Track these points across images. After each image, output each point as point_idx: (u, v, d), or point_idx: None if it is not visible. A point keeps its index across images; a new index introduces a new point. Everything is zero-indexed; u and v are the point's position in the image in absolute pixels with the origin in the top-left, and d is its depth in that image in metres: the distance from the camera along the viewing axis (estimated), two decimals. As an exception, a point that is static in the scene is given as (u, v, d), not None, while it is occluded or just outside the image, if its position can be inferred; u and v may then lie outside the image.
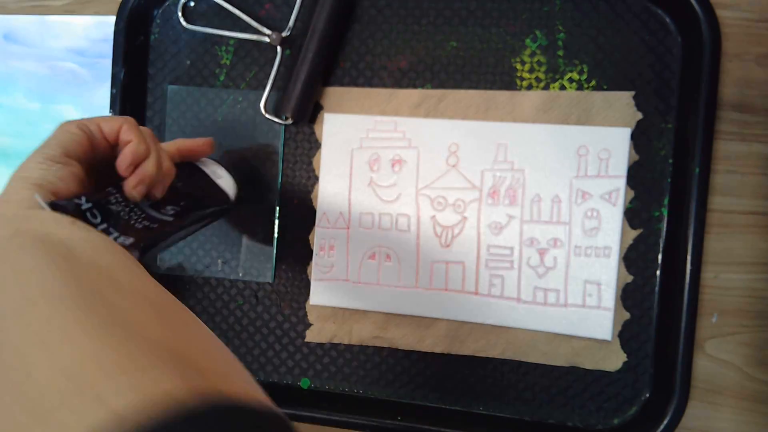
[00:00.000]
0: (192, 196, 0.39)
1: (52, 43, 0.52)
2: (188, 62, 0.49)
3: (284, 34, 0.46)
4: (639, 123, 0.44)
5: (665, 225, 0.44)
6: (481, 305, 0.45)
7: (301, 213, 0.48)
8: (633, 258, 0.44)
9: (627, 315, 0.44)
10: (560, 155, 0.44)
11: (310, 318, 0.48)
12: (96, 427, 0.17)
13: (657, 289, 0.44)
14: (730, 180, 0.43)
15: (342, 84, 0.47)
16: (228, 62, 0.49)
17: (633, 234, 0.44)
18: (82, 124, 0.35)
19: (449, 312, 0.45)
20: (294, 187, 0.48)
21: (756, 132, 0.43)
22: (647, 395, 0.44)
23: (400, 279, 0.46)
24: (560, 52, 0.45)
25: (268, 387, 0.48)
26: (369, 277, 0.46)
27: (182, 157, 0.41)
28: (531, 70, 0.45)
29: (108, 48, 0.49)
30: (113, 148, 0.35)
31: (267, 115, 0.47)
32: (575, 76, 0.44)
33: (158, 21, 0.49)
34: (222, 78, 0.49)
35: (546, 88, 0.45)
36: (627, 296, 0.44)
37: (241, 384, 0.22)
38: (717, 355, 0.44)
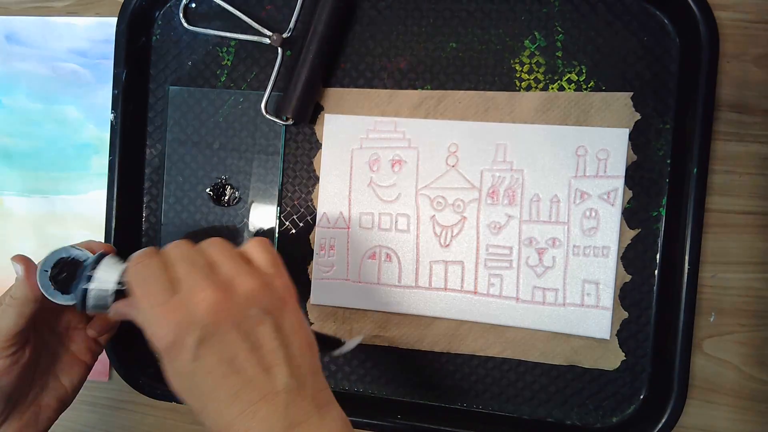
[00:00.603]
0: None
1: (54, 44, 0.53)
2: (189, 63, 0.49)
3: (285, 35, 0.47)
4: (637, 123, 0.44)
5: (663, 225, 0.44)
6: (480, 304, 0.45)
7: (301, 213, 0.48)
8: (631, 257, 0.44)
9: (625, 314, 0.44)
10: (559, 155, 0.45)
11: (311, 317, 0.48)
12: None
13: (655, 288, 0.44)
14: (728, 180, 0.44)
15: (342, 85, 0.48)
16: (229, 63, 0.49)
17: (631, 234, 0.44)
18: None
19: (449, 311, 0.46)
20: (294, 187, 0.48)
21: (754, 132, 0.44)
22: (645, 394, 0.44)
23: (400, 279, 0.46)
24: (559, 53, 0.45)
25: (269, 386, 0.48)
26: (369, 277, 0.47)
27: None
28: (530, 71, 0.45)
29: (110, 49, 0.50)
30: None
31: (268, 116, 0.47)
32: (574, 77, 0.45)
33: (160, 22, 0.50)
34: (223, 79, 0.49)
35: (545, 89, 0.45)
36: (625, 295, 0.44)
37: None
38: (715, 354, 0.44)
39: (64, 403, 0.40)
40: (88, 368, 0.42)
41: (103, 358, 0.49)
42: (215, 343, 0.30)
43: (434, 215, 0.46)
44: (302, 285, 0.48)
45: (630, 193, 0.44)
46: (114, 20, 0.49)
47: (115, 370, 0.50)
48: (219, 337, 0.30)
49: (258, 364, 0.30)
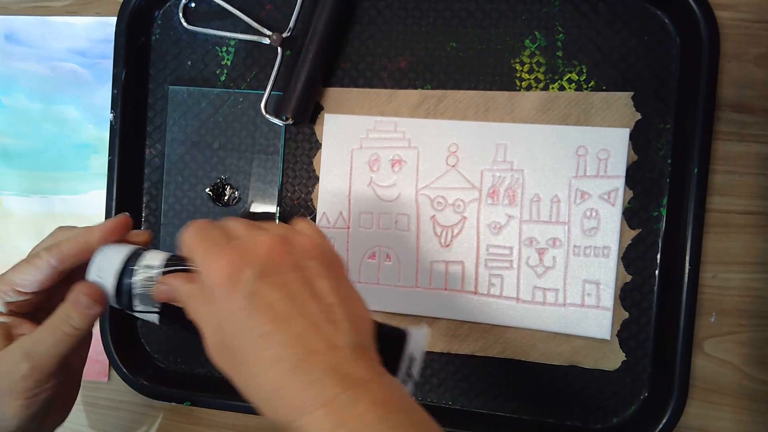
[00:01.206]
0: None
1: (53, 44, 0.52)
2: (189, 63, 0.49)
3: (285, 35, 0.47)
4: (638, 123, 0.44)
5: (664, 225, 0.44)
6: (480, 305, 0.45)
7: (301, 213, 0.48)
8: (632, 258, 0.44)
9: (626, 314, 0.44)
10: (559, 155, 0.44)
11: (311, 317, 0.48)
12: None
13: (656, 288, 0.44)
14: (729, 180, 0.44)
15: (342, 85, 0.48)
16: (229, 63, 0.49)
17: (632, 234, 0.44)
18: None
19: (449, 311, 0.46)
20: (294, 187, 0.48)
21: (754, 132, 0.43)
22: (646, 394, 0.44)
23: (400, 279, 0.46)
24: (559, 53, 0.45)
25: (269, 386, 0.48)
26: (369, 277, 0.47)
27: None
28: (530, 71, 0.45)
29: (109, 49, 0.49)
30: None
31: (267, 116, 0.47)
32: (574, 76, 0.45)
33: (159, 22, 0.50)
34: (223, 79, 0.49)
35: (545, 88, 0.45)
36: (626, 296, 0.44)
37: None
38: (715, 355, 0.44)
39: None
40: (73, 400, 0.39)
41: (103, 358, 0.49)
42: (274, 279, 0.27)
43: (434, 215, 0.46)
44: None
45: (630, 193, 0.44)
46: (113, 20, 0.48)
47: (114, 370, 0.49)
48: (278, 276, 0.27)
49: (321, 311, 0.27)
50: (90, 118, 0.52)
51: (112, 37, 0.49)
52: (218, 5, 0.48)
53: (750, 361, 0.44)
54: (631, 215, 0.44)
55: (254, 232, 0.30)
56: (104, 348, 0.48)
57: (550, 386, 0.45)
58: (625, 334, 0.44)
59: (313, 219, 0.48)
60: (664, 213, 0.44)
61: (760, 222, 0.44)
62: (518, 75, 0.45)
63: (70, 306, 0.33)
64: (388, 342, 0.31)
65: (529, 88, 0.45)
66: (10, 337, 0.34)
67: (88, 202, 0.52)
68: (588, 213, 0.44)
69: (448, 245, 0.46)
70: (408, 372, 0.31)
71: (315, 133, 0.48)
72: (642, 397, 0.44)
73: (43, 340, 0.33)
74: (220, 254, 0.28)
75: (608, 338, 0.44)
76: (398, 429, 0.25)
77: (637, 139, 0.44)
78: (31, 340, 0.33)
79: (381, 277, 0.47)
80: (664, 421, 0.42)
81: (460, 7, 0.46)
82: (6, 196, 0.53)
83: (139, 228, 0.50)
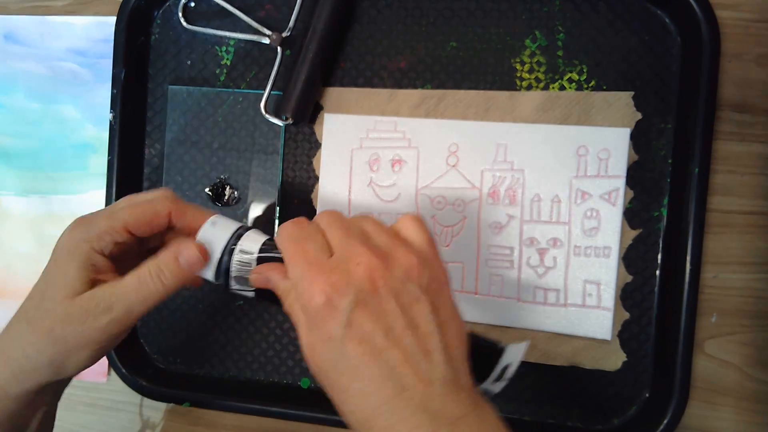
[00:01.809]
0: None
1: (52, 44, 0.52)
2: (189, 62, 0.49)
3: (284, 34, 0.46)
4: (638, 123, 0.44)
5: (665, 225, 0.44)
6: (480, 305, 0.45)
7: (301, 213, 0.48)
8: (632, 258, 0.44)
9: (626, 315, 0.44)
10: (560, 155, 0.44)
11: (310, 318, 0.48)
12: None
13: (656, 289, 0.44)
14: (730, 180, 0.44)
15: (342, 84, 0.47)
16: (228, 63, 0.49)
17: (632, 234, 0.44)
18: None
19: (449, 312, 0.45)
20: (294, 187, 0.48)
21: (755, 132, 0.43)
22: (647, 395, 0.44)
23: (400, 279, 0.46)
24: (560, 53, 0.45)
25: (268, 386, 0.48)
26: (369, 277, 0.47)
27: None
28: (531, 71, 0.45)
29: (108, 48, 0.49)
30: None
31: (267, 116, 0.47)
32: (575, 76, 0.45)
33: (158, 21, 0.50)
34: (222, 78, 0.49)
35: (546, 88, 0.45)
36: (626, 296, 0.44)
37: None
38: (716, 355, 0.44)
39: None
40: None
41: (102, 359, 0.49)
42: (370, 310, 0.27)
43: (435, 215, 0.46)
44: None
45: (631, 193, 0.44)
46: (113, 19, 0.48)
47: (113, 370, 0.49)
48: (375, 306, 0.27)
49: (416, 344, 0.26)
50: (89, 118, 0.52)
51: (112, 37, 0.48)
52: (218, 5, 0.48)
53: (751, 362, 0.44)
54: (631, 215, 0.44)
55: (353, 249, 0.28)
56: (103, 348, 0.48)
57: (551, 387, 0.45)
58: (625, 334, 0.44)
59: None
60: (664, 213, 0.44)
61: (761, 222, 0.43)
62: (519, 74, 0.45)
63: (167, 258, 0.33)
64: (483, 355, 0.31)
65: (529, 87, 0.45)
66: (94, 282, 0.33)
67: (87, 202, 0.52)
68: (589, 213, 0.44)
69: (448, 245, 0.46)
70: (499, 376, 0.32)
71: (315, 133, 0.48)
72: (643, 398, 0.44)
73: (129, 295, 0.32)
74: (317, 277, 0.27)
75: (609, 339, 0.44)
76: None
77: (637, 138, 0.44)
78: (116, 292, 0.32)
79: (381, 277, 0.46)
80: (665, 421, 0.42)
81: (461, 7, 0.46)
82: (4, 196, 0.53)
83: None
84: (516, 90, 0.45)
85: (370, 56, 0.47)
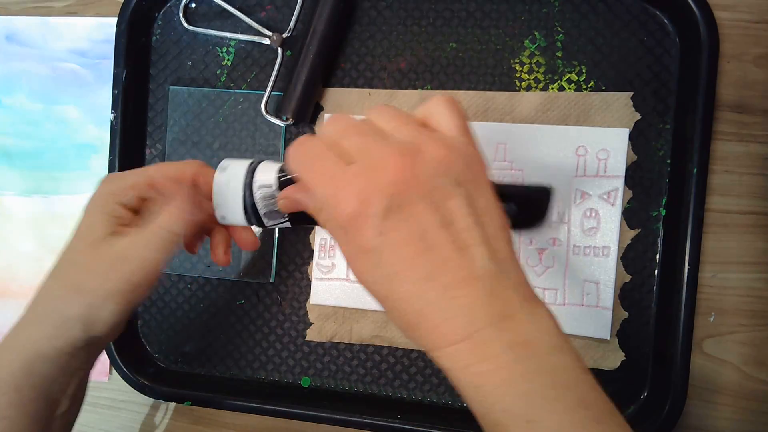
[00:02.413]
0: None
1: (54, 44, 0.53)
2: (189, 63, 0.49)
3: (285, 35, 0.47)
4: (637, 123, 0.44)
5: (663, 225, 0.44)
6: (480, 305, 0.45)
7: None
8: (631, 257, 0.44)
9: (625, 314, 0.44)
10: (559, 155, 0.44)
11: (311, 317, 0.48)
12: None
13: (655, 288, 0.44)
14: (728, 180, 0.44)
15: (342, 85, 0.48)
16: (229, 63, 0.49)
17: (631, 234, 0.44)
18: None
19: (449, 311, 0.46)
20: (294, 188, 0.48)
21: (754, 132, 0.44)
22: (645, 394, 0.44)
23: (399, 278, 0.46)
24: (559, 54, 0.45)
25: (269, 385, 0.48)
26: (369, 277, 0.47)
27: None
28: (530, 71, 0.45)
29: (110, 49, 0.50)
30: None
31: (268, 116, 0.47)
32: (574, 77, 0.45)
33: (159, 22, 0.50)
34: (223, 79, 0.49)
35: (545, 89, 0.45)
36: (625, 295, 0.44)
37: None
38: (715, 354, 0.44)
39: None
40: None
41: (103, 358, 0.49)
42: (402, 215, 0.26)
43: (434, 215, 0.46)
44: (303, 285, 0.48)
45: (630, 193, 0.44)
46: (114, 20, 0.49)
47: (114, 369, 0.49)
48: (407, 209, 0.26)
49: (452, 242, 0.26)
50: (91, 119, 0.52)
51: (113, 38, 0.49)
52: (218, 6, 0.48)
53: (749, 361, 0.44)
54: (630, 215, 0.44)
55: (374, 153, 0.27)
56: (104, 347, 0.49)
57: (550, 386, 0.45)
58: (624, 333, 0.44)
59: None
60: (663, 213, 0.44)
61: (759, 222, 0.44)
62: (518, 75, 0.45)
63: (173, 207, 0.35)
64: (534, 200, 0.33)
65: (528, 88, 0.45)
66: (117, 234, 0.34)
67: (88, 202, 0.52)
68: (587, 213, 0.44)
69: (447, 245, 0.46)
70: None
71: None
72: (641, 397, 0.44)
73: (142, 244, 0.34)
74: (339, 192, 0.26)
75: (608, 338, 0.44)
76: (532, 375, 0.25)
77: (636, 139, 0.44)
78: (132, 242, 0.34)
79: (381, 276, 0.47)
80: (663, 420, 0.42)
81: (460, 8, 0.46)
82: (6, 196, 0.53)
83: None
84: (515, 91, 0.45)
85: (370, 57, 0.47)
